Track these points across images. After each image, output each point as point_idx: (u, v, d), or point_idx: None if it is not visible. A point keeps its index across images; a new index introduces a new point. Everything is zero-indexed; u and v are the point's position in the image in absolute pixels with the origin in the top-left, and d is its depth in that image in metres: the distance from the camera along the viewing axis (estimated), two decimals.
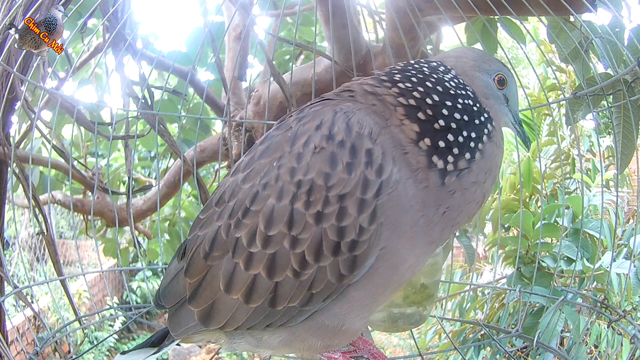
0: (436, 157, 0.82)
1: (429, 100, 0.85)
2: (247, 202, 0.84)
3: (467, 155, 0.84)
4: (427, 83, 0.87)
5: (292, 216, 0.80)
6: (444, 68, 0.92)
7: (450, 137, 0.83)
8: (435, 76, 0.89)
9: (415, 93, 0.86)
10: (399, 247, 0.83)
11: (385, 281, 0.86)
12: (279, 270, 0.82)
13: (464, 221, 0.89)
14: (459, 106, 0.85)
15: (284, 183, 0.81)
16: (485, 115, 0.88)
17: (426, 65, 0.92)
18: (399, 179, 0.80)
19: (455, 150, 0.83)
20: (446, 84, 0.88)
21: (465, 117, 0.85)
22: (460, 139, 0.84)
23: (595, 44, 1.38)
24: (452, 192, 0.84)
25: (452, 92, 0.87)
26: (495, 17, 1.87)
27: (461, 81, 0.90)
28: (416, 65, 0.92)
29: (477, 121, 0.86)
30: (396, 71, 0.92)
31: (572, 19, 1.58)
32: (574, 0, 1.37)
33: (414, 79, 0.88)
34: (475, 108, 0.87)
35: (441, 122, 0.83)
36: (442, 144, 0.82)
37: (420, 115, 0.83)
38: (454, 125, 0.84)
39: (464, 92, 0.88)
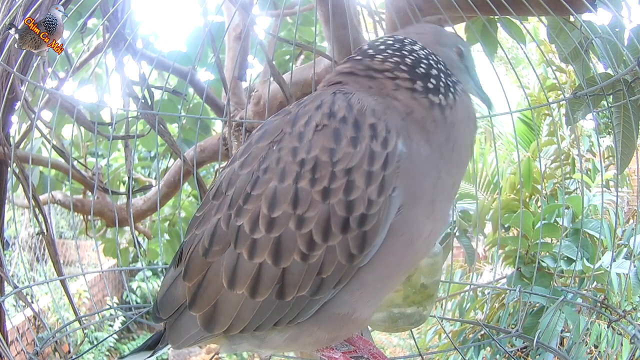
0: (432, 95, 0.87)
1: (408, 60, 0.91)
2: (248, 188, 0.82)
3: (451, 95, 0.90)
4: (403, 51, 0.92)
5: (297, 195, 0.78)
6: (410, 40, 0.96)
7: (433, 80, 0.89)
8: (407, 47, 0.94)
9: (395, 58, 0.91)
10: (416, 217, 0.83)
11: (399, 258, 0.85)
12: (286, 255, 0.80)
13: (466, 161, 0.94)
14: (433, 63, 0.92)
15: (286, 163, 0.80)
16: (455, 80, 0.94)
17: (392, 39, 0.96)
18: (409, 148, 0.81)
19: (442, 90, 0.89)
20: (419, 52, 0.93)
21: (441, 67, 0.93)
22: (442, 82, 0.90)
23: (595, 44, 1.38)
24: (453, 125, 0.88)
25: (424, 55, 0.93)
26: (495, 17, 1.87)
27: (429, 51, 0.95)
28: (383, 41, 0.96)
29: (450, 77, 0.93)
30: (367, 47, 0.96)
31: (572, 19, 1.58)
32: (574, 0, 1.37)
33: (389, 50, 0.93)
34: (448, 71, 0.94)
35: (422, 70, 0.90)
36: (430, 85, 0.88)
37: (403, 67, 0.89)
38: (434, 72, 0.90)
39: (436, 59, 0.94)
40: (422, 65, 0.91)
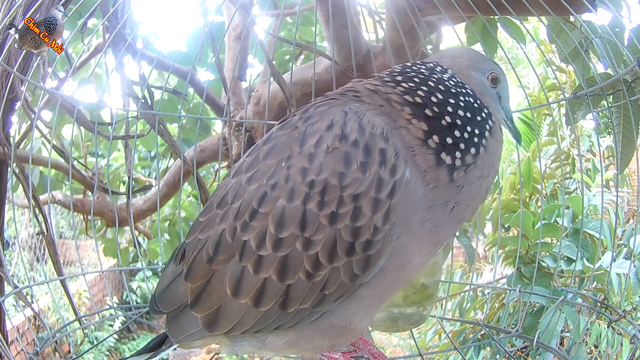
0: (444, 154, 0.83)
1: (434, 99, 0.86)
2: (255, 204, 0.82)
3: (473, 150, 0.85)
4: (430, 82, 0.89)
5: (305, 217, 0.79)
6: (440, 68, 0.94)
7: (456, 133, 0.85)
8: (435, 76, 0.90)
9: (419, 92, 0.87)
10: (407, 245, 0.83)
11: (394, 279, 0.87)
12: (291, 273, 0.81)
13: (469, 216, 0.91)
14: (462, 104, 0.87)
15: (295, 183, 0.80)
16: (486, 111, 0.90)
17: (424, 67, 0.93)
18: (410, 179, 0.80)
19: (462, 146, 0.84)
20: (446, 83, 0.89)
21: (468, 114, 0.87)
22: (466, 135, 0.85)
23: (595, 44, 1.38)
24: (460, 187, 0.85)
25: (453, 90, 0.89)
26: (495, 17, 1.87)
27: (459, 80, 0.92)
28: (414, 67, 0.93)
29: (479, 117, 0.88)
30: (397, 72, 0.93)
31: (572, 19, 1.58)
32: (574, 0, 1.37)
33: (416, 79, 0.89)
34: (476, 105, 0.89)
35: (447, 119, 0.85)
36: (449, 140, 0.84)
37: (428, 112, 0.85)
38: (459, 122, 0.85)
39: (463, 90, 0.90)
40: (449, 108, 0.85)
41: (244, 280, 0.84)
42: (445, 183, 0.83)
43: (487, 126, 0.89)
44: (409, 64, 0.96)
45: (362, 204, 0.78)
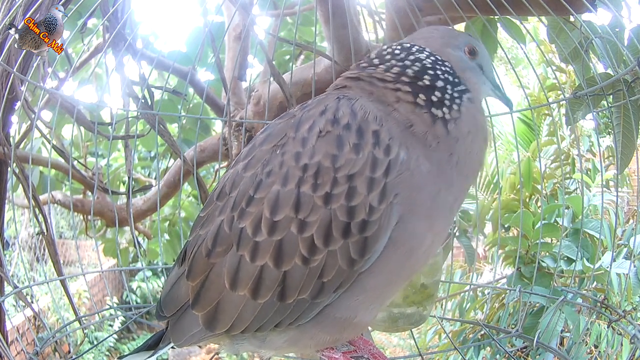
0: (435, 109, 0.86)
1: (409, 72, 0.90)
2: (251, 191, 0.83)
3: (456, 106, 0.89)
4: (406, 62, 0.91)
5: (299, 199, 0.79)
6: (417, 47, 0.95)
7: (437, 93, 0.88)
8: (412, 56, 0.92)
9: (397, 69, 0.90)
10: (415, 229, 0.83)
11: (400, 267, 0.86)
12: (287, 258, 0.81)
13: (472, 175, 0.92)
14: (440, 74, 0.91)
15: (289, 168, 0.80)
16: (464, 87, 0.92)
17: (399, 47, 0.95)
18: (409, 159, 0.81)
19: (447, 102, 0.88)
20: (424, 61, 0.92)
21: (448, 77, 0.91)
22: (447, 95, 0.89)
23: (595, 44, 1.38)
24: (456, 140, 0.87)
25: (430, 65, 0.91)
26: (495, 17, 1.87)
27: (438, 57, 0.93)
28: (390, 49, 0.95)
29: (458, 88, 0.91)
30: (374, 56, 0.96)
31: (572, 19, 1.58)
32: (574, 0, 1.37)
33: (393, 60, 0.92)
34: (455, 80, 0.92)
35: (426, 81, 0.89)
36: (434, 97, 0.87)
37: (405, 78, 0.88)
38: (439, 84, 0.89)
39: (443, 68, 0.92)
40: (427, 77, 0.89)
41: (242, 270, 0.83)
42: (445, 136, 0.86)
43: (466, 96, 0.91)
44: (385, 46, 0.98)
45: (356, 183, 0.78)
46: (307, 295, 0.82)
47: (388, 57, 0.93)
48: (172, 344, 1.01)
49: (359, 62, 0.97)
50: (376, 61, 0.94)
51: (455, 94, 0.90)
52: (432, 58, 0.92)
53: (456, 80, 0.92)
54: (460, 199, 0.94)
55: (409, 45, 0.95)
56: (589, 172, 3.09)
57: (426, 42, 0.97)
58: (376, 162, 0.79)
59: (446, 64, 0.93)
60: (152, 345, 1.05)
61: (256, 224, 0.81)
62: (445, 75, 0.91)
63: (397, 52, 0.94)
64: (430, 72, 0.90)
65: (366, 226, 0.79)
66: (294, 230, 0.79)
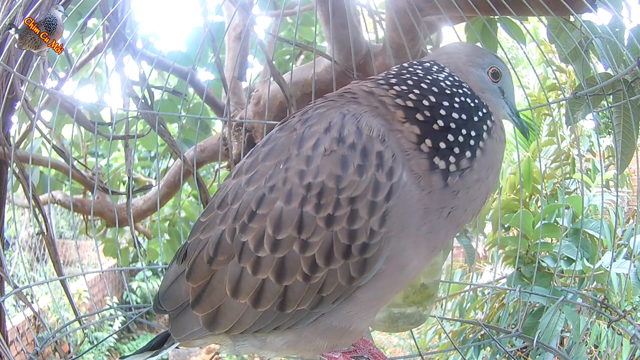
0: (438, 159, 0.82)
1: (425, 102, 0.85)
2: (253, 205, 0.83)
3: (468, 154, 0.84)
4: (422, 85, 0.87)
5: (302, 219, 0.79)
6: (437, 67, 0.92)
7: (450, 137, 0.83)
8: (429, 77, 0.89)
9: (411, 95, 0.86)
10: (405, 248, 0.83)
11: (392, 282, 0.87)
12: (289, 275, 0.81)
13: (469, 220, 0.89)
14: (456, 105, 0.86)
15: (293, 186, 0.80)
16: (484, 111, 0.89)
17: (420, 67, 0.92)
18: (407, 182, 0.80)
19: (457, 150, 0.83)
20: (441, 83, 0.88)
21: (464, 116, 0.85)
22: (461, 138, 0.84)
23: (595, 44, 1.38)
24: (455, 193, 0.84)
25: (448, 91, 0.87)
26: (495, 17, 1.87)
27: (456, 78, 0.91)
28: (410, 68, 0.93)
29: (475, 118, 0.87)
30: (392, 75, 0.93)
31: (572, 19, 1.58)
32: (574, 0, 1.37)
33: (409, 82, 0.88)
34: (472, 105, 0.88)
35: (440, 123, 0.83)
36: (442, 145, 0.82)
37: (419, 116, 0.84)
38: (453, 125, 0.84)
39: (460, 91, 0.88)
40: (441, 113, 0.84)
41: (243, 281, 0.84)
42: (440, 188, 0.82)
43: (485, 127, 0.87)
44: (406, 64, 0.95)
45: (358, 207, 0.78)
46: (306, 306, 0.84)
47: (406, 76, 0.90)
48: (175, 345, 1.02)
49: (376, 78, 0.93)
50: (393, 80, 0.90)
51: (472, 137, 0.84)
52: (451, 80, 0.89)
53: (474, 103, 0.87)
54: (447, 241, 0.92)
55: (429, 64, 0.93)
56: (589, 172, 3.09)
57: (450, 58, 0.95)
58: (378, 186, 0.78)
59: (464, 85, 0.90)
60: (156, 345, 1.06)
61: (258, 240, 0.82)
62: (462, 104, 0.86)
63: (417, 71, 0.90)
64: (446, 102, 0.85)
65: (367, 249, 0.79)
66: (296, 249, 0.80)
